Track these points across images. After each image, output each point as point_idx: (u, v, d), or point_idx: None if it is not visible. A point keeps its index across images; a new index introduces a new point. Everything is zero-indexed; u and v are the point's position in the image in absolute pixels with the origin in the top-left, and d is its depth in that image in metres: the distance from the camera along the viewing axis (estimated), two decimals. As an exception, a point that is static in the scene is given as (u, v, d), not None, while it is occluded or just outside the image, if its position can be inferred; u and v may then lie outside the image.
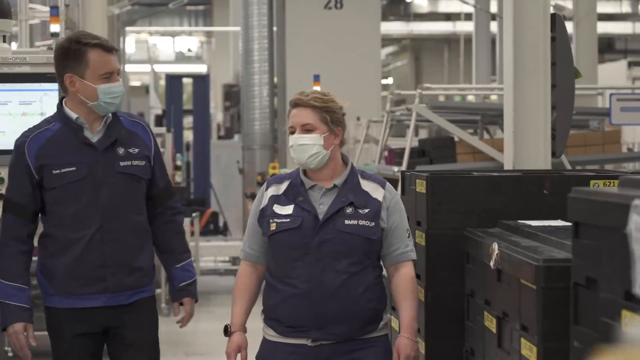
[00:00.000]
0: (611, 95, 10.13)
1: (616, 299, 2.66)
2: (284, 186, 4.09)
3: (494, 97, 15.01)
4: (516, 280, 3.58)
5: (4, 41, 5.88)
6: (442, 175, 4.63)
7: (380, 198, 4.05)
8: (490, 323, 3.92)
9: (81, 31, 5.89)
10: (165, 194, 4.50)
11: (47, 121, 4.38)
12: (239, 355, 4.14)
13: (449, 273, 4.40)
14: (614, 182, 4.46)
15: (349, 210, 4.01)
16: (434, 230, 4.45)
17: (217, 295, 12.53)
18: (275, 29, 15.70)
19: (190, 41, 38.64)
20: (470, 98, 16.62)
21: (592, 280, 2.89)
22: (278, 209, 4.04)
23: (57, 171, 4.26)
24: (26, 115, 5.39)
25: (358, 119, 13.64)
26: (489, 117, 10.29)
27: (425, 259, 4.44)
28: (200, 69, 33.77)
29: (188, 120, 21.62)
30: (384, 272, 4.17)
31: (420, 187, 4.55)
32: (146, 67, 30.51)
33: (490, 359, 3.93)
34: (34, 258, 4.40)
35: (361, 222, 4.00)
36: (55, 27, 8.32)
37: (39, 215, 4.37)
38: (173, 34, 37.58)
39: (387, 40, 31.48)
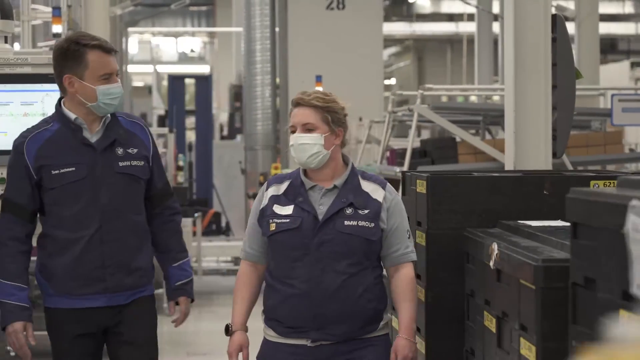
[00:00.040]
0: (613, 95, 10.14)
1: (614, 299, 2.67)
2: (284, 186, 4.09)
3: (496, 98, 15.01)
4: (515, 281, 3.59)
5: (6, 42, 5.89)
6: (442, 175, 4.64)
7: (380, 199, 4.05)
8: (490, 323, 3.92)
9: (80, 32, 5.90)
10: (163, 194, 4.50)
11: (45, 121, 4.38)
12: (240, 354, 4.14)
13: (449, 273, 4.41)
14: (614, 182, 4.46)
15: (349, 211, 4.00)
16: (434, 230, 4.46)
17: (220, 295, 12.54)
18: (277, 29, 15.72)
19: (193, 42, 38.64)
20: (473, 98, 16.62)
21: (591, 280, 2.89)
22: (278, 209, 4.04)
23: (57, 171, 4.26)
24: (28, 116, 5.39)
25: (360, 119, 13.65)
26: (490, 118, 10.29)
27: (425, 259, 4.45)
28: (203, 69, 33.76)
29: (190, 121, 21.63)
30: (385, 272, 4.17)
31: (421, 187, 4.56)
32: (149, 68, 30.52)
33: (490, 358, 3.94)
34: (33, 258, 4.40)
35: (361, 223, 3.99)
36: (57, 28, 8.32)
37: (38, 215, 4.37)
38: (176, 35, 37.58)
39: (390, 41, 31.48)
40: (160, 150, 14.10)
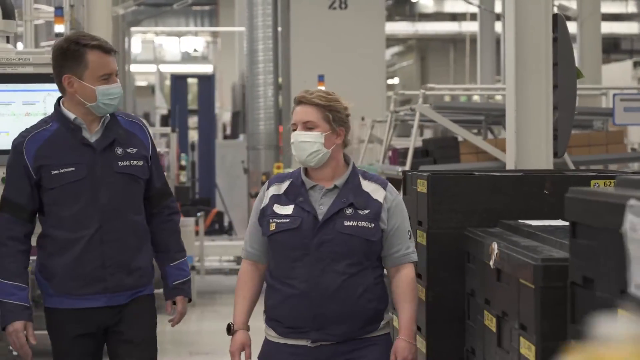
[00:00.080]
0: (614, 95, 10.14)
1: (612, 298, 2.67)
2: (285, 186, 4.09)
3: (499, 97, 15.01)
4: (515, 280, 3.59)
5: (8, 42, 5.89)
6: (443, 175, 4.64)
7: (381, 199, 4.04)
8: (490, 322, 3.93)
9: (80, 32, 5.90)
10: (162, 193, 4.50)
11: (44, 121, 4.38)
12: (243, 353, 4.14)
13: (450, 272, 4.42)
14: (614, 182, 4.47)
15: (349, 211, 3.99)
16: (435, 229, 4.47)
17: (222, 295, 12.55)
18: (279, 29, 15.72)
19: (196, 41, 38.64)
20: (476, 98, 16.61)
21: (589, 279, 2.90)
22: (278, 208, 4.04)
23: (56, 171, 4.26)
24: (29, 116, 5.39)
25: (362, 119, 13.66)
26: (492, 117, 10.29)
27: (426, 259, 4.45)
28: (207, 69, 33.76)
29: (193, 120, 21.65)
30: (385, 272, 4.17)
31: (422, 187, 4.56)
32: (152, 67, 30.53)
33: (490, 358, 3.94)
34: (32, 258, 4.41)
35: (361, 224, 3.98)
36: (59, 28, 8.33)
37: (37, 215, 4.37)
38: (179, 34, 37.58)
39: (392, 41, 31.48)
40: (163, 149, 14.12)
